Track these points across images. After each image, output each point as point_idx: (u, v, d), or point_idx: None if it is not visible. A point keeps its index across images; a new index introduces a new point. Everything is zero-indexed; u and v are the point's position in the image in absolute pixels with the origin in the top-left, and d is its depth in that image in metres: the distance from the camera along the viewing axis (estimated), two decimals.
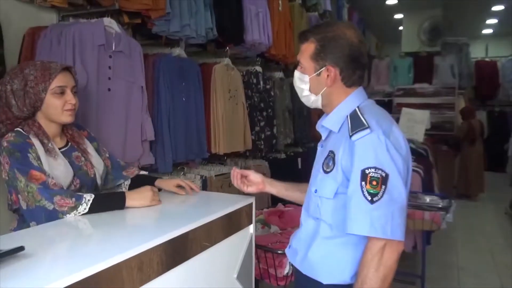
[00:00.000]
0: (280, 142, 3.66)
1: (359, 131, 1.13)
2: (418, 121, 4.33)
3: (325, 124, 1.28)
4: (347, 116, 1.20)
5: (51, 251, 1.06)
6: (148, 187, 1.46)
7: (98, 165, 1.57)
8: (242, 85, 3.08)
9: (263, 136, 3.36)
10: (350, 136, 1.14)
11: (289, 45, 3.70)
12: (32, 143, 1.35)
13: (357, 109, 1.19)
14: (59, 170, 1.39)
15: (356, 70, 1.23)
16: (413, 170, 3.73)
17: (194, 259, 1.27)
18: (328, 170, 1.21)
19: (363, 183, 1.09)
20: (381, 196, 1.08)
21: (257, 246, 1.75)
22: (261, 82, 3.37)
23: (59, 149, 1.45)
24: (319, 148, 1.34)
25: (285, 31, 3.66)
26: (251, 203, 1.60)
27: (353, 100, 1.24)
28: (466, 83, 7.93)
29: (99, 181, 1.56)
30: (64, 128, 1.51)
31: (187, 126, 2.56)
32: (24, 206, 1.30)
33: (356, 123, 1.15)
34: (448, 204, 2.99)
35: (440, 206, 2.98)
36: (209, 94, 2.77)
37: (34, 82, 1.36)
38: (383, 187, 1.08)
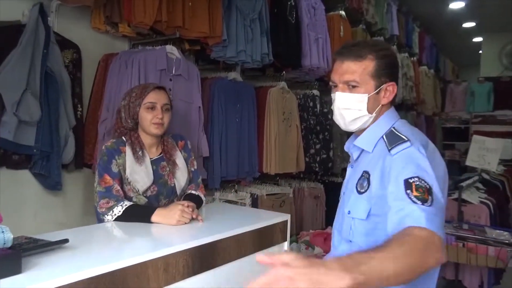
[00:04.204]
0: (337, 166, 3.64)
1: (398, 144, 1.11)
2: (491, 149, 4.01)
3: (357, 144, 1.27)
4: (382, 136, 1.19)
5: (91, 246, 1.21)
6: (178, 206, 1.48)
7: (181, 177, 1.70)
8: (297, 108, 3.15)
9: (318, 158, 3.37)
10: (389, 150, 1.12)
11: None
12: (123, 151, 1.60)
13: (393, 129, 1.19)
14: (139, 175, 1.59)
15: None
16: (481, 202, 3.52)
17: (222, 268, 1.35)
18: (362, 190, 1.19)
19: (409, 191, 0.98)
20: (431, 204, 0.97)
21: None
22: (318, 106, 3.42)
23: (151, 158, 1.66)
24: (349, 169, 1.34)
25: None
26: (286, 221, 1.64)
27: (388, 119, 1.23)
28: None
29: (178, 191, 1.69)
30: (162, 139, 1.72)
31: (239, 146, 2.68)
32: (95, 203, 1.55)
33: (393, 139, 1.14)
34: None
35: (508, 241, 2.74)
36: (264, 116, 2.89)
37: (134, 98, 1.65)
38: (430, 197, 0.98)
